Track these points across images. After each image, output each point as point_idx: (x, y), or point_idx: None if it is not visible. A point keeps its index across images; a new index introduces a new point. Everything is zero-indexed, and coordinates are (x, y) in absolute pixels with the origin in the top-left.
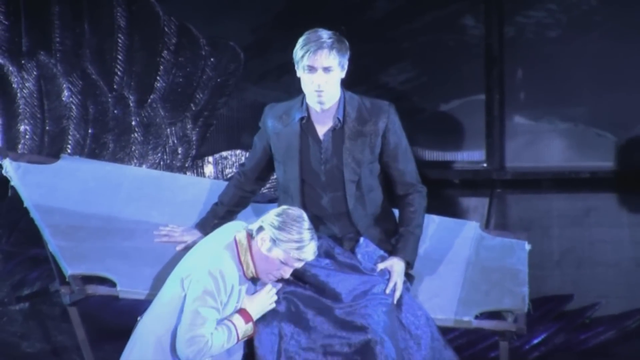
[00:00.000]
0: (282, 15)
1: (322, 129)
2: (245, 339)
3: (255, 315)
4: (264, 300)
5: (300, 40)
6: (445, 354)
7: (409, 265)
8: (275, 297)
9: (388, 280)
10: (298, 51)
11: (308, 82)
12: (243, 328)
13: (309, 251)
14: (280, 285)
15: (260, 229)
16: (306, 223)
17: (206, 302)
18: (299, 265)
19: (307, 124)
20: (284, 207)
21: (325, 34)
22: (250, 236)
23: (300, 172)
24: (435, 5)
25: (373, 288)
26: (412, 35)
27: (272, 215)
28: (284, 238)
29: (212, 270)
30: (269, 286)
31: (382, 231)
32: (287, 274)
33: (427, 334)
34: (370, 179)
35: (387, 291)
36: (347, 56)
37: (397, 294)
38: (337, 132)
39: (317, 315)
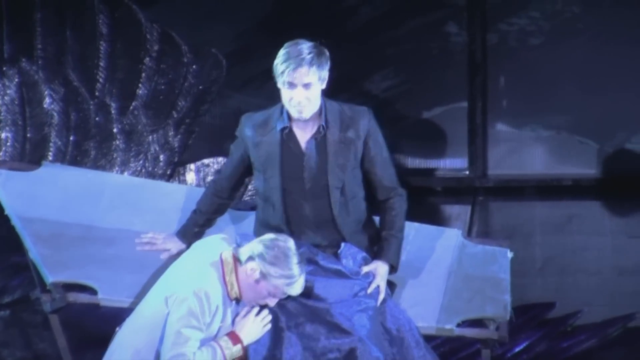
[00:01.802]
0: (265, 23)
1: (303, 137)
2: None
3: (246, 338)
4: (257, 325)
5: (280, 54)
6: (427, 357)
7: (392, 268)
8: (269, 324)
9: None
10: (278, 66)
11: (288, 97)
12: (231, 349)
13: (298, 287)
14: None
15: (250, 258)
16: (295, 257)
17: (190, 323)
18: (284, 296)
19: (288, 134)
20: (272, 237)
21: (305, 48)
22: (236, 259)
23: (281, 181)
24: (419, 12)
25: (358, 292)
26: (395, 42)
27: (261, 247)
28: (274, 273)
29: (197, 291)
30: (259, 310)
31: (366, 237)
32: (272, 303)
33: (409, 337)
34: (353, 185)
35: (370, 291)
36: (327, 67)
37: (382, 296)
38: (319, 139)
39: (307, 321)
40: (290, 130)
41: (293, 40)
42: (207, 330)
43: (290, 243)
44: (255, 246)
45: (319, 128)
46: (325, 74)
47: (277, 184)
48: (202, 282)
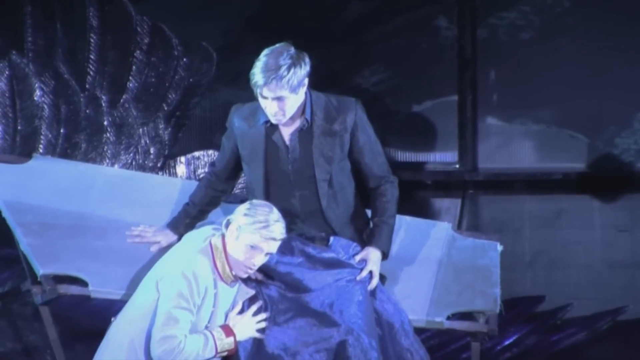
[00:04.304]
0: (255, 17)
1: (287, 130)
2: (225, 354)
3: (239, 333)
4: (251, 322)
5: (256, 64)
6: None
7: (384, 255)
8: (264, 325)
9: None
10: (253, 74)
11: (262, 105)
12: (223, 341)
13: (276, 230)
14: (253, 291)
15: (229, 222)
16: (273, 208)
17: (179, 304)
18: (268, 247)
19: (271, 127)
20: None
21: (282, 59)
22: (224, 237)
23: (264, 174)
24: (408, 7)
25: (350, 280)
26: (385, 36)
27: (239, 208)
28: (248, 221)
29: (186, 271)
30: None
31: (355, 229)
32: (257, 261)
33: (397, 326)
34: (341, 177)
35: (362, 275)
36: (304, 75)
37: (375, 281)
38: (304, 132)
39: (297, 316)
40: (273, 124)
41: (275, 45)
42: (198, 314)
43: (270, 206)
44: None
45: (302, 122)
46: (300, 81)
47: (260, 176)
48: (190, 264)
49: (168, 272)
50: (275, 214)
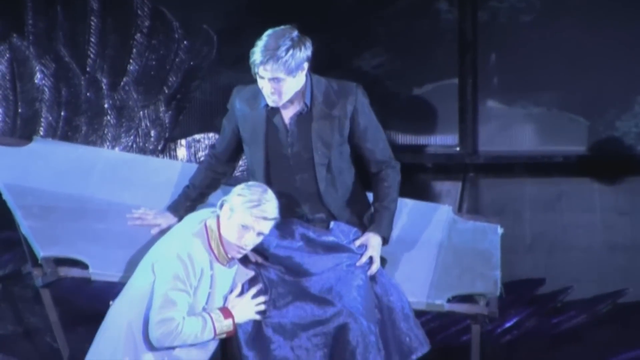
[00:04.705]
0: (256, 0)
1: (288, 113)
2: (224, 336)
3: (238, 316)
4: (250, 305)
5: (258, 42)
6: (415, 331)
7: (384, 240)
8: (263, 307)
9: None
10: (252, 52)
11: (259, 85)
12: (222, 323)
13: (268, 209)
14: (252, 273)
15: (223, 203)
16: (267, 189)
17: (176, 286)
18: (259, 226)
19: (272, 110)
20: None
21: (282, 41)
22: (218, 218)
23: (265, 156)
24: None
25: (349, 265)
26: (385, 19)
27: (234, 189)
28: (241, 200)
29: (180, 253)
30: (255, 294)
31: (354, 213)
32: (248, 240)
33: (397, 310)
34: (340, 161)
35: (362, 261)
36: (303, 59)
37: (375, 267)
38: (303, 116)
39: (296, 299)
40: (275, 107)
41: (279, 27)
42: (195, 295)
43: (264, 186)
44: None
45: (302, 106)
46: (299, 65)
47: (261, 158)
48: (185, 246)
49: (163, 254)
50: (269, 194)
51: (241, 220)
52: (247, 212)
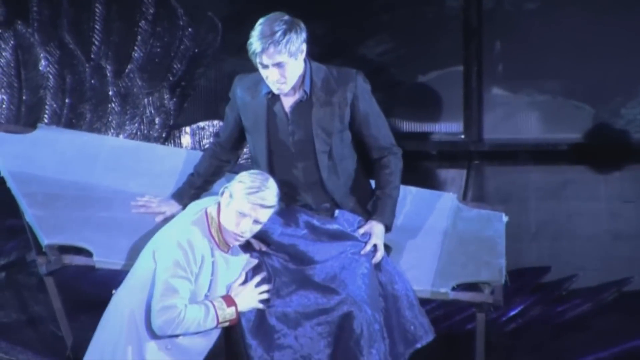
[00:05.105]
0: None
1: (288, 101)
2: (227, 324)
3: (241, 304)
4: (254, 293)
5: (252, 33)
6: (420, 319)
7: (387, 228)
8: (266, 296)
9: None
10: (249, 45)
11: (264, 75)
12: (225, 311)
13: (267, 196)
14: (256, 261)
15: (224, 189)
16: (269, 177)
17: (176, 273)
18: (256, 214)
19: (273, 98)
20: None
21: (276, 25)
22: (219, 205)
23: (267, 144)
24: None
25: (354, 253)
26: (390, 6)
27: (236, 177)
28: (240, 187)
29: (180, 240)
30: (259, 282)
31: (357, 200)
32: (245, 228)
33: (402, 298)
34: (341, 148)
35: (366, 249)
36: (301, 40)
37: (379, 255)
38: (304, 103)
39: (299, 288)
40: (275, 95)
41: (269, 14)
42: (197, 282)
43: (265, 175)
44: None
45: (301, 93)
46: (300, 47)
47: (263, 147)
48: (185, 233)
49: (163, 242)
50: (270, 182)
51: (238, 207)
52: (245, 198)
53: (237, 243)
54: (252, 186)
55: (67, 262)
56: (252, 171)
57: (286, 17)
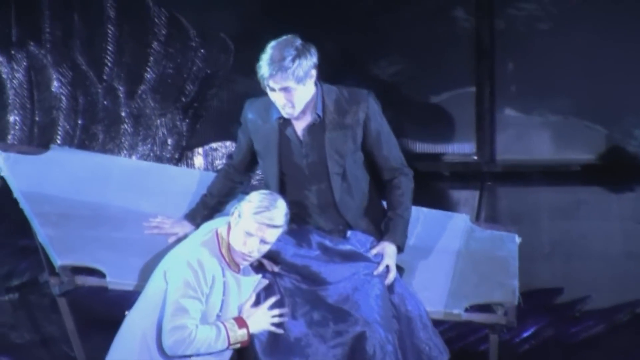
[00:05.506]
0: (271, 7)
1: (300, 124)
2: (238, 346)
3: (252, 326)
4: (266, 316)
5: (263, 56)
6: (434, 340)
7: (399, 249)
8: (278, 320)
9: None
10: (259, 67)
11: (272, 98)
12: (236, 332)
13: (274, 216)
14: (267, 281)
15: (234, 209)
16: (278, 197)
17: (187, 293)
18: (263, 233)
19: (284, 122)
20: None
21: (286, 51)
22: (229, 226)
23: (279, 168)
24: None
25: (367, 274)
26: (402, 27)
27: (247, 197)
28: (249, 207)
29: (191, 261)
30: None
31: (371, 221)
32: (252, 247)
33: (416, 319)
34: (354, 169)
35: (379, 270)
36: (310, 64)
37: (392, 276)
38: (316, 126)
39: (313, 309)
40: (286, 119)
41: (281, 37)
42: (208, 302)
43: (275, 195)
44: None
45: (314, 116)
46: (307, 72)
47: (275, 171)
48: (195, 253)
49: (174, 262)
50: (279, 202)
51: (245, 226)
52: (252, 218)
53: (245, 263)
54: (260, 205)
55: (80, 283)
56: (262, 191)
57: (298, 43)
